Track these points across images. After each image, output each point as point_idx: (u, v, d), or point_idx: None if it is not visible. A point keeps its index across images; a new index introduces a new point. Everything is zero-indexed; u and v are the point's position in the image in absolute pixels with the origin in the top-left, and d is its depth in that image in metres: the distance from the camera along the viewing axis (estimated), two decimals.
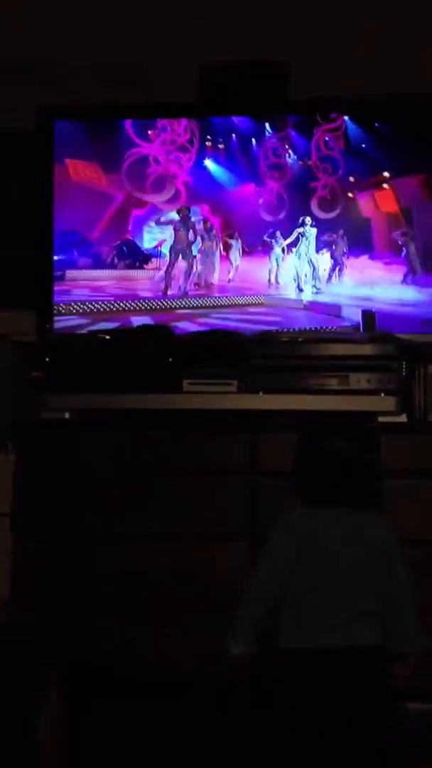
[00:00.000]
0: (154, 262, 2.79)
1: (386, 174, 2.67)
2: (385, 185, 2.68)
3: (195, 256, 2.77)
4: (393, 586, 1.55)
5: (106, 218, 2.78)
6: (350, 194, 2.70)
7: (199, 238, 2.77)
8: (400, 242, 2.66)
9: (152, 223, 2.78)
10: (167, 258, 2.78)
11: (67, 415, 2.42)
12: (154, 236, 2.79)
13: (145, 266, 2.80)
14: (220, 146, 2.71)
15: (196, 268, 2.77)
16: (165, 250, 2.78)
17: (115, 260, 2.79)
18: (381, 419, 2.31)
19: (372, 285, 2.69)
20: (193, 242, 2.77)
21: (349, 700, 1.41)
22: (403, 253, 2.65)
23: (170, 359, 2.41)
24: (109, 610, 2.21)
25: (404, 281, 2.66)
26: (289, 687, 1.41)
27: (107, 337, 2.51)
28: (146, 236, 2.80)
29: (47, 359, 2.46)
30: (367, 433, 1.70)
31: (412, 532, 2.15)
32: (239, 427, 2.31)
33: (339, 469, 1.59)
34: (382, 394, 2.33)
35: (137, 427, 2.35)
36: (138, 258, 2.79)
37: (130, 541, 2.26)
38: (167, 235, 2.78)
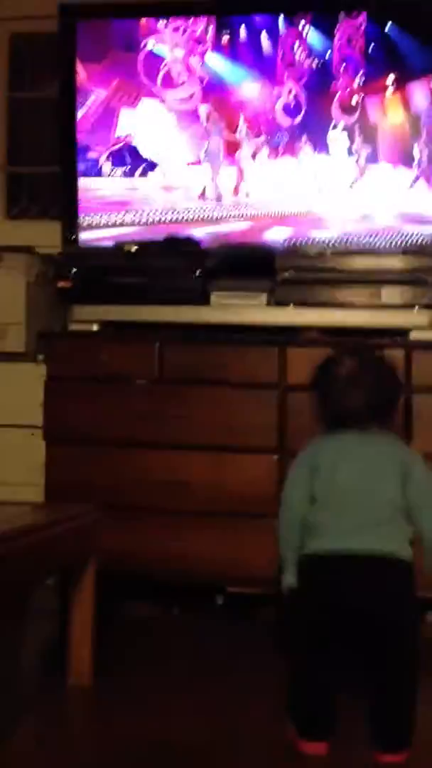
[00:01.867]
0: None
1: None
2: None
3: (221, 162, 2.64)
4: (411, 494, 1.54)
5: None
6: (376, 96, 2.52)
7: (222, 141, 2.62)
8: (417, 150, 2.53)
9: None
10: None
11: (94, 327, 2.42)
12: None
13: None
14: (236, 41, 2.56)
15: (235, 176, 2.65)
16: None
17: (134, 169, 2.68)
18: (413, 335, 2.28)
19: (402, 193, 2.58)
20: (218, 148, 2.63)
21: (372, 602, 1.44)
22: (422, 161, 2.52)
23: (198, 272, 2.38)
24: (137, 517, 2.25)
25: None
26: (314, 588, 1.44)
27: (134, 248, 2.47)
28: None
29: (73, 271, 2.43)
30: (380, 359, 1.66)
31: None
32: (267, 341, 2.29)
33: (350, 394, 1.58)
34: (416, 309, 2.29)
35: (165, 339, 2.34)
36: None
37: (159, 450, 2.27)
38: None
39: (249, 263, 2.42)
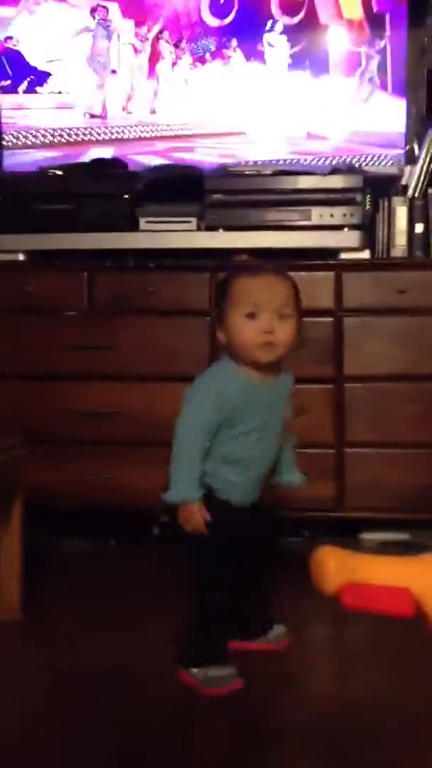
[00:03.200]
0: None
1: None
2: None
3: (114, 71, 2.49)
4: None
5: None
6: None
7: (122, 46, 2.45)
8: (365, 57, 2.45)
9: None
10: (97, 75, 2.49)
11: (21, 257, 2.35)
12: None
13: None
14: None
15: (127, 86, 2.49)
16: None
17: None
18: (343, 256, 2.26)
19: (337, 109, 2.51)
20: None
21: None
22: (367, 71, 2.45)
23: (126, 196, 2.31)
24: (69, 450, 2.24)
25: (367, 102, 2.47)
26: (225, 529, 1.43)
27: (59, 173, 2.38)
28: None
29: None
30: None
31: (368, 368, 2.18)
32: (198, 266, 2.25)
33: None
34: (346, 230, 2.26)
35: (94, 268, 2.28)
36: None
37: (89, 381, 2.25)
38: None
39: (178, 186, 2.35)
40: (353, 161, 2.44)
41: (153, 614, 1.75)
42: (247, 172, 2.40)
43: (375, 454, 2.17)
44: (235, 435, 1.43)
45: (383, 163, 2.47)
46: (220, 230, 2.29)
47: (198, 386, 1.46)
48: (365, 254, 2.29)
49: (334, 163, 2.46)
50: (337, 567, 0.86)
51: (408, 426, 2.17)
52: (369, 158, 2.47)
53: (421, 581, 0.78)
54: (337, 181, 2.29)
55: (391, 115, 2.45)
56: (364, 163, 2.46)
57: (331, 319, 2.20)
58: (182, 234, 2.31)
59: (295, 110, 2.48)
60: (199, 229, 2.31)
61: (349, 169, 2.35)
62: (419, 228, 2.35)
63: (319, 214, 2.27)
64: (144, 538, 2.24)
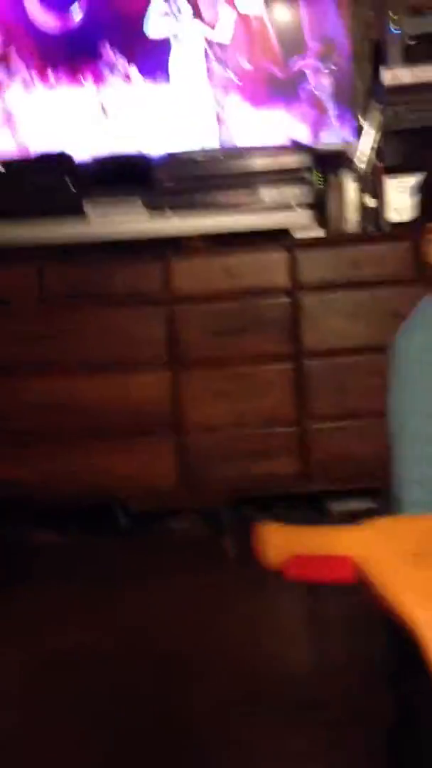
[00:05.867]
0: None
1: None
2: None
3: None
4: None
5: None
6: None
7: None
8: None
9: None
10: None
11: None
12: None
13: None
14: None
15: None
16: None
17: None
18: (297, 234, 2.26)
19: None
20: None
21: None
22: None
23: (72, 188, 2.29)
24: (29, 442, 2.23)
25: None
26: None
27: (1, 169, 2.36)
28: None
29: None
30: None
31: (326, 344, 2.19)
32: (150, 253, 2.24)
33: None
34: (297, 208, 2.27)
35: (44, 258, 2.26)
36: None
37: (45, 372, 2.23)
38: None
39: (126, 174, 2.34)
40: (301, 139, 2.44)
41: (117, 600, 1.75)
42: (195, 157, 2.40)
43: (338, 428, 2.18)
44: None
45: (332, 139, 2.48)
46: (171, 215, 2.28)
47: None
48: (318, 231, 2.30)
49: (282, 142, 2.46)
50: (279, 541, 0.85)
51: (369, 397, 2.18)
52: (317, 135, 2.48)
53: (361, 548, 0.77)
54: (285, 161, 2.30)
55: (337, 90, 2.46)
56: (312, 141, 2.47)
57: (287, 298, 2.21)
58: (133, 221, 2.30)
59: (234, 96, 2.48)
60: (149, 215, 2.30)
61: (297, 148, 2.35)
62: (371, 203, 2.36)
63: (269, 194, 2.27)
64: (112, 528, 2.24)
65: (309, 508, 2.18)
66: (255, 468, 2.16)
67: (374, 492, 2.21)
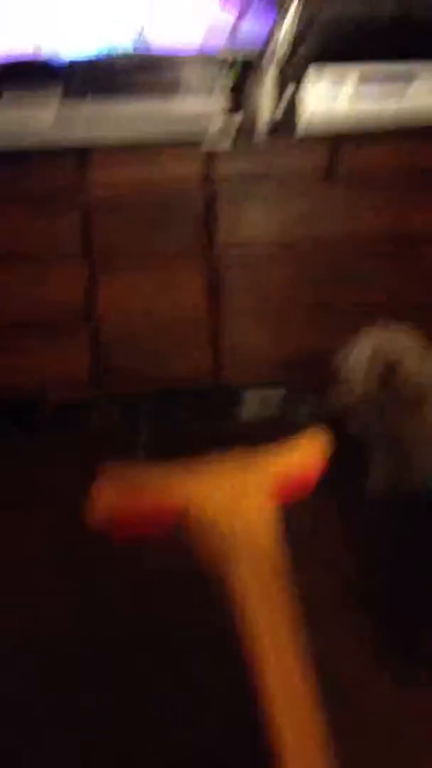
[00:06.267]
0: None
1: None
2: None
3: None
4: None
5: None
6: None
7: None
8: None
9: None
10: None
11: None
12: None
13: None
14: None
15: None
16: None
17: None
18: (215, 131, 2.24)
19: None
20: None
21: None
22: None
23: None
24: None
25: None
26: None
27: None
28: None
29: None
30: None
31: (241, 236, 2.22)
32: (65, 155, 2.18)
33: None
34: (214, 108, 2.23)
35: None
36: None
37: None
38: None
39: (37, 79, 2.25)
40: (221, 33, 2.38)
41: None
42: (107, 64, 2.31)
43: (251, 321, 2.24)
44: None
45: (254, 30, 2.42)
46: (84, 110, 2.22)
47: None
48: (235, 127, 2.28)
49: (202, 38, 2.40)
50: (107, 498, 0.84)
51: (282, 289, 2.24)
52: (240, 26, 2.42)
53: (189, 492, 0.80)
54: (204, 61, 2.25)
55: None
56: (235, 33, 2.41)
57: (202, 194, 2.21)
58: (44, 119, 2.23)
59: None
60: (61, 114, 2.24)
61: (211, 59, 2.29)
62: (288, 97, 2.35)
63: (184, 103, 2.23)
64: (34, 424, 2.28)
65: (222, 398, 2.27)
66: (169, 361, 2.22)
67: (285, 383, 2.32)
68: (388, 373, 1.25)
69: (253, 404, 2.34)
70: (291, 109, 2.34)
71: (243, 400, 2.34)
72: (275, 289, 2.24)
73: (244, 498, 0.82)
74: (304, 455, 0.91)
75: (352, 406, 1.32)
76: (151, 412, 2.30)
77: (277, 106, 2.33)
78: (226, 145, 2.23)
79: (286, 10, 2.36)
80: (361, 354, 1.31)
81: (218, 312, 2.24)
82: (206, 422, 2.28)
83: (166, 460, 0.85)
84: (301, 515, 1.39)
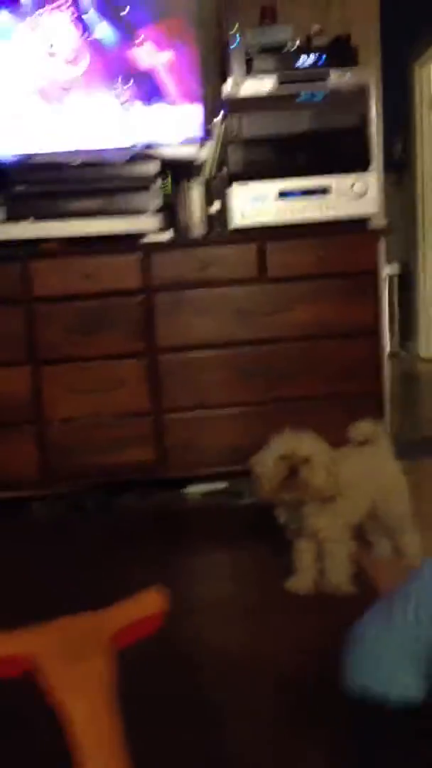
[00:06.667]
0: None
1: None
2: None
3: None
4: None
5: None
6: None
7: None
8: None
9: None
10: None
11: None
12: None
13: None
14: None
15: None
16: None
17: None
18: (148, 239, 2.42)
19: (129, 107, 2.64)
20: None
21: None
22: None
23: None
24: None
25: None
26: None
27: None
28: None
29: None
30: None
31: (178, 341, 2.36)
32: (8, 255, 2.33)
33: None
34: (147, 214, 2.42)
35: None
36: None
37: None
38: None
39: None
40: (152, 148, 2.58)
41: None
42: (49, 162, 2.49)
43: (191, 418, 2.37)
44: None
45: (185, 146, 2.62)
46: (30, 219, 2.38)
47: None
48: (168, 235, 2.46)
49: (134, 149, 2.59)
50: None
51: (219, 389, 2.38)
52: (168, 143, 2.62)
53: (31, 647, 0.95)
54: (136, 169, 2.45)
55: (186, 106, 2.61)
56: (163, 148, 2.61)
57: (141, 297, 2.36)
58: None
59: (86, 107, 2.59)
60: (6, 220, 2.40)
61: (147, 156, 2.50)
62: (216, 208, 2.55)
63: (121, 200, 2.41)
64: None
65: (166, 490, 2.36)
66: (114, 456, 2.32)
67: (224, 475, 2.43)
68: (293, 473, 1.39)
69: (196, 495, 2.44)
70: (219, 216, 2.54)
71: (186, 492, 2.44)
72: (213, 387, 2.38)
73: (81, 646, 0.94)
74: (140, 609, 1.02)
75: (267, 502, 1.44)
76: (98, 503, 2.39)
77: (205, 216, 2.53)
78: (160, 239, 2.40)
79: (213, 128, 2.58)
80: (270, 455, 1.45)
81: (159, 408, 2.37)
82: (152, 512, 2.38)
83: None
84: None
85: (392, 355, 5.00)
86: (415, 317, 5.22)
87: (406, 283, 5.27)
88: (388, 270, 5.03)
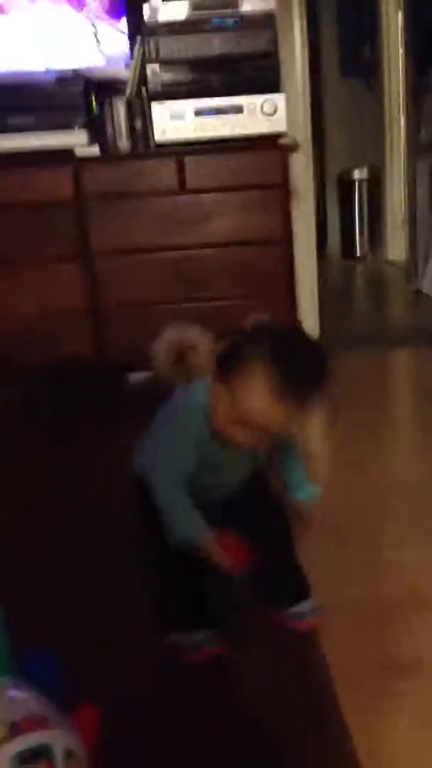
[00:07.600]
0: None
1: None
2: None
3: None
4: None
5: None
6: None
7: None
8: None
9: None
10: None
11: None
12: None
13: None
14: None
15: None
16: None
17: None
18: (77, 152, 2.63)
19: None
20: None
21: None
22: None
23: None
24: None
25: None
26: None
27: None
28: None
29: None
30: None
31: (109, 246, 2.62)
32: None
33: None
34: (75, 129, 2.63)
35: None
36: None
37: None
38: None
39: None
40: (80, 67, 2.75)
41: None
42: None
43: (127, 314, 2.66)
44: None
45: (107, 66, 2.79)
46: None
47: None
48: (96, 150, 2.69)
49: (64, 70, 2.75)
50: None
51: (151, 289, 2.66)
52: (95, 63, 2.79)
53: None
54: (65, 87, 2.64)
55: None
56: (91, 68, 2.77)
57: (74, 206, 2.60)
58: None
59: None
60: None
61: (75, 75, 2.69)
62: (138, 125, 2.78)
63: (51, 117, 2.61)
64: None
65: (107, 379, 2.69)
66: (59, 346, 2.62)
67: None
68: (181, 357, 1.68)
69: (136, 380, 2.76)
70: (142, 133, 2.76)
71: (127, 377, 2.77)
72: (145, 285, 2.66)
73: None
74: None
75: (159, 381, 1.74)
76: (48, 387, 2.67)
77: (130, 132, 2.76)
78: (89, 154, 2.62)
79: (135, 48, 2.77)
80: (162, 343, 1.71)
81: (98, 307, 2.66)
82: (96, 393, 2.70)
83: None
84: None
85: (361, 258, 5.11)
86: (384, 221, 5.08)
87: (377, 187, 5.10)
88: (357, 174, 5.02)
